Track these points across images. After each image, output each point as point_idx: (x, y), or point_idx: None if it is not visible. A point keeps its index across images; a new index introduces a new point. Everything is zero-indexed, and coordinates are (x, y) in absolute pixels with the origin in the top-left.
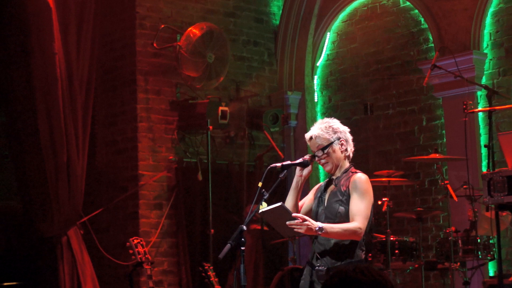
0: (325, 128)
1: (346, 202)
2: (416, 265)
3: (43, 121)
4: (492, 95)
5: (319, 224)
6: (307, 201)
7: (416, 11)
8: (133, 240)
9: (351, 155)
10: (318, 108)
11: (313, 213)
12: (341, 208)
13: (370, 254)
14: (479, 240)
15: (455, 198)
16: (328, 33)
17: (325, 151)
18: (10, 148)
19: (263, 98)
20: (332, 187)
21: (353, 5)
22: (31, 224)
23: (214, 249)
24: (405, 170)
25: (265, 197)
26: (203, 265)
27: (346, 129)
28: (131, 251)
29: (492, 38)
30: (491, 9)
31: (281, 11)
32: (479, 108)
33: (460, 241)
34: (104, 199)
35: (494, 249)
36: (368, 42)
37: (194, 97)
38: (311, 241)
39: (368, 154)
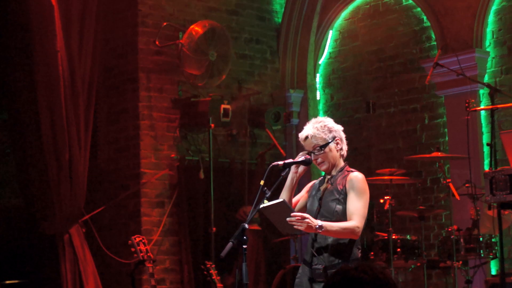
0: (321, 128)
1: (343, 201)
2: (418, 264)
3: (45, 119)
4: (494, 93)
5: (319, 222)
6: (301, 198)
7: (419, 9)
8: (135, 238)
9: (345, 154)
10: (320, 106)
11: (308, 212)
12: (338, 207)
13: (372, 253)
14: (481, 239)
15: (457, 197)
16: (331, 31)
17: (322, 151)
18: (12, 146)
19: (265, 96)
20: (327, 185)
21: (355, 3)
22: (33, 222)
23: (216, 248)
24: (407, 169)
25: (267, 195)
26: (205, 263)
27: (340, 128)
28: (133, 249)
29: (494, 36)
30: (494, 7)
31: (283, 9)
32: (482, 107)
33: (462, 240)
34: (106, 197)
35: (496, 248)
36: (371, 40)
37: (196, 95)
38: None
39: (370, 152)
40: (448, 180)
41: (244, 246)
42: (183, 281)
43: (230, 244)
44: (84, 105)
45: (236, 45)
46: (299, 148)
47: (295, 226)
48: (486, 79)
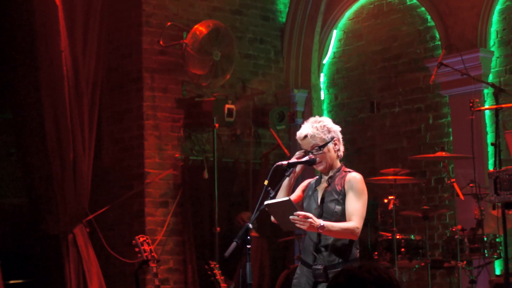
0: (321, 128)
1: (342, 202)
2: (422, 264)
3: (50, 119)
4: (498, 93)
5: (321, 222)
6: (297, 198)
7: (423, 8)
8: (139, 238)
9: (342, 154)
10: (325, 106)
11: (304, 211)
12: (338, 208)
13: (376, 253)
14: (485, 239)
15: (462, 197)
16: (335, 31)
17: (321, 151)
18: (16, 145)
19: (270, 96)
20: (324, 185)
21: (359, 3)
22: (37, 222)
23: (220, 247)
24: (411, 169)
25: (271, 195)
26: (209, 263)
27: (338, 128)
28: (137, 249)
29: (499, 36)
30: (498, 7)
31: (287, 9)
32: (486, 106)
33: (466, 240)
34: (110, 197)
35: (500, 248)
36: (375, 40)
37: (200, 95)
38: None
39: (374, 152)
40: (452, 180)
41: (248, 246)
42: (187, 281)
43: (234, 244)
44: (88, 105)
45: (240, 45)
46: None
47: (297, 225)
48: (490, 78)
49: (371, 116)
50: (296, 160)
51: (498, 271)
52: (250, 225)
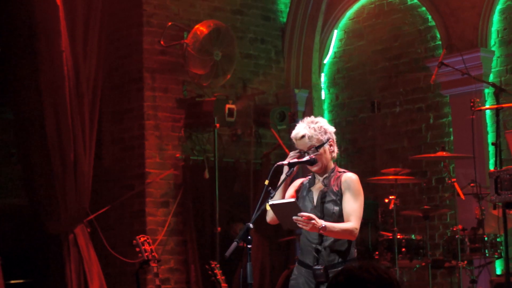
0: (318, 129)
1: (340, 202)
2: (423, 263)
3: (50, 119)
4: (499, 92)
5: (323, 223)
6: (290, 197)
7: (424, 8)
8: (139, 238)
9: (335, 155)
10: (325, 106)
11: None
12: (336, 208)
13: (377, 252)
14: (486, 238)
15: (462, 196)
16: (335, 31)
17: (317, 152)
18: (17, 145)
19: (270, 96)
20: (319, 186)
21: (360, 3)
22: (38, 222)
23: (221, 247)
24: (412, 168)
25: (272, 195)
26: (210, 263)
27: (333, 130)
28: (137, 249)
29: (499, 36)
30: (499, 7)
31: (288, 9)
32: (487, 106)
33: (467, 239)
34: (111, 197)
35: (501, 247)
36: (375, 40)
37: (201, 94)
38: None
39: (375, 152)
40: (453, 180)
41: (249, 246)
42: (190, 281)
43: (234, 244)
44: (89, 105)
45: (241, 44)
46: None
47: (299, 225)
48: (491, 78)
49: (372, 116)
50: (297, 160)
51: (499, 271)
52: (251, 225)
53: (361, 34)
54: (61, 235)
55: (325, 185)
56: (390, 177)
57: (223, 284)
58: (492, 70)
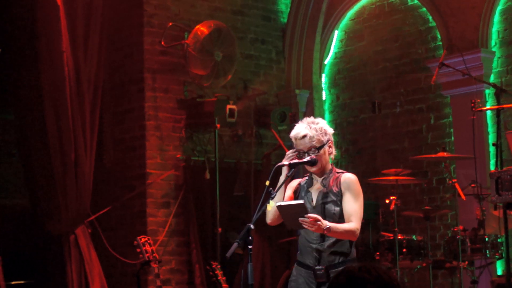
0: (319, 130)
1: (340, 203)
2: (424, 264)
3: (51, 119)
4: (500, 93)
5: (327, 223)
6: (288, 199)
7: (424, 9)
8: (140, 239)
9: (333, 157)
10: (326, 106)
11: None
12: (336, 209)
13: (378, 253)
14: (487, 239)
15: (463, 197)
16: (336, 31)
17: (318, 152)
18: (18, 146)
19: (271, 96)
20: (318, 187)
21: (361, 3)
22: (39, 223)
23: (222, 248)
24: (413, 169)
25: (273, 196)
26: (211, 263)
27: (332, 131)
28: (138, 250)
29: (500, 36)
30: (499, 7)
31: (289, 9)
32: (487, 107)
33: (468, 240)
34: (111, 197)
35: (502, 248)
36: (376, 40)
37: (202, 95)
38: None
39: (375, 152)
40: (454, 180)
41: (250, 247)
42: (194, 281)
43: (235, 245)
44: (90, 106)
45: (242, 45)
46: None
47: (305, 226)
48: (492, 79)
49: (373, 117)
50: (298, 161)
51: (499, 272)
52: (252, 226)
53: (362, 35)
54: (62, 235)
55: (324, 186)
56: (391, 177)
57: (224, 285)
58: (493, 70)
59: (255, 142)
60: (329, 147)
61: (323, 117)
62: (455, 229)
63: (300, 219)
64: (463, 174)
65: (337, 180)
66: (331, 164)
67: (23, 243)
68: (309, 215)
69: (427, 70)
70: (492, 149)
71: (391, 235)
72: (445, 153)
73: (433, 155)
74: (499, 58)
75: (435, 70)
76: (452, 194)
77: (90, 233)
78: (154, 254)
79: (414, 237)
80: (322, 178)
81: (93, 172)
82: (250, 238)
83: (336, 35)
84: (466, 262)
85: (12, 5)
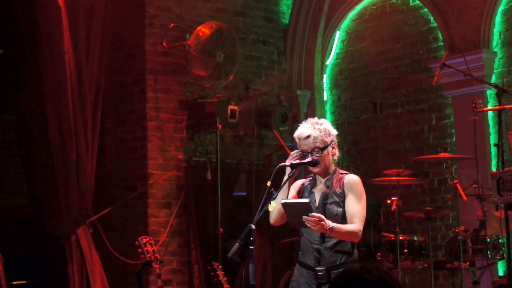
0: (324, 130)
1: (343, 204)
2: (425, 265)
3: (53, 120)
4: (501, 93)
5: (331, 223)
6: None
7: (426, 9)
8: (142, 239)
9: (336, 158)
10: (328, 107)
11: None
12: (339, 210)
13: (379, 254)
14: (488, 240)
15: (465, 197)
16: (338, 32)
17: (321, 153)
18: (19, 147)
19: (272, 97)
20: (321, 187)
21: (362, 4)
22: (40, 223)
23: (223, 248)
24: (414, 169)
25: (274, 196)
26: (212, 264)
27: (335, 132)
28: (140, 250)
29: (502, 37)
30: (501, 8)
31: (290, 10)
32: (489, 107)
33: (469, 241)
34: (113, 198)
35: (503, 249)
36: (378, 41)
37: (203, 96)
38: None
39: (377, 153)
40: (455, 181)
41: (251, 247)
42: (193, 282)
43: (237, 245)
44: (91, 106)
45: (243, 46)
46: None
47: (308, 225)
48: (493, 79)
49: (374, 117)
50: (299, 161)
51: (501, 272)
52: (253, 226)
53: (363, 35)
54: (63, 236)
55: (327, 187)
56: (392, 178)
57: (226, 285)
58: (494, 71)
59: (256, 143)
60: (333, 148)
61: (324, 118)
62: (457, 230)
63: (304, 217)
64: (464, 175)
65: (340, 181)
66: (335, 165)
67: (25, 243)
68: (313, 214)
69: (429, 70)
70: (493, 150)
71: (393, 235)
72: (446, 154)
73: (435, 156)
74: (500, 58)
75: (436, 71)
76: (453, 194)
77: (91, 233)
78: (155, 255)
79: (415, 237)
80: (326, 179)
81: (94, 172)
82: (251, 238)
83: (338, 35)
84: (468, 263)
85: (13, 6)
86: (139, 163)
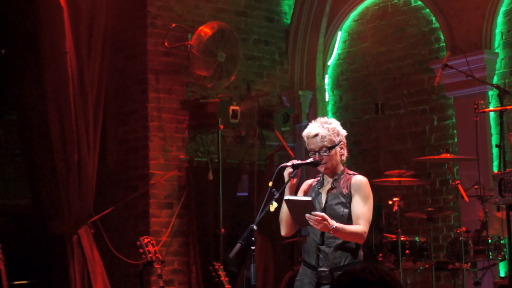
0: (332, 130)
1: (349, 205)
2: (427, 266)
3: (54, 120)
4: (503, 94)
5: (334, 223)
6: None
7: (428, 10)
8: (143, 239)
9: (345, 159)
10: (329, 108)
11: None
12: (345, 211)
13: (380, 254)
14: (490, 241)
15: (466, 198)
16: (339, 32)
17: (329, 152)
18: (21, 146)
19: (274, 98)
20: (328, 187)
21: (364, 4)
22: (42, 223)
23: (225, 249)
24: (416, 170)
25: (276, 197)
26: (213, 264)
27: (345, 133)
28: (141, 250)
29: (503, 38)
30: (503, 8)
31: (292, 10)
32: (490, 108)
33: (471, 242)
34: (114, 198)
35: (505, 250)
36: (379, 42)
37: (205, 96)
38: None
39: (379, 153)
40: (457, 182)
41: (253, 248)
42: (191, 282)
43: (238, 245)
44: (93, 106)
45: (245, 46)
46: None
47: (311, 223)
48: (495, 80)
49: (376, 118)
50: (300, 162)
51: (502, 273)
52: (255, 227)
53: (365, 36)
54: (65, 236)
55: (334, 187)
56: (394, 179)
57: (227, 286)
58: (496, 72)
59: (258, 143)
60: (341, 148)
61: (324, 117)
62: (458, 231)
63: (307, 215)
64: (466, 176)
65: (348, 181)
66: (343, 166)
67: (26, 243)
68: (316, 213)
69: (430, 71)
70: (495, 151)
71: (394, 236)
72: (448, 155)
73: (436, 157)
74: (502, 59)
75: (438, 71)
76: (455, 195)
77: (93, 233)
78: (157, 255)
79: (417, 238)
80: (333, 179)
81: (96, 172)
82: (253, 239)
83: (340, 36)
84: (469, 264)
85: (15, 6)
86: (141, 163)
